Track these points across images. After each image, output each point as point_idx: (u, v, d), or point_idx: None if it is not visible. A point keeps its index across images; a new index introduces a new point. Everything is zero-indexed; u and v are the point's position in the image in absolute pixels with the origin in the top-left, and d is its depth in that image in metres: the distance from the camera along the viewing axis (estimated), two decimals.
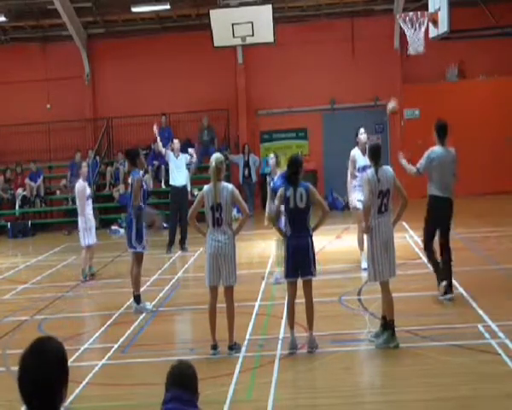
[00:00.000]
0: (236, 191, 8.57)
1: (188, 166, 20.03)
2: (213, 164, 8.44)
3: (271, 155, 12.22)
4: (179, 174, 15.96)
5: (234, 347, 8.43)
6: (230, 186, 8.54)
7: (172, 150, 16.12)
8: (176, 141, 16.50)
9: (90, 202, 13.69)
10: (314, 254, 8.37)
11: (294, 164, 8.36)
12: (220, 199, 8.35)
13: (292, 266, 8.33)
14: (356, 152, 12.43)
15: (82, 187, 13.57)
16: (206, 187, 8.54)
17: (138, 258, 10.90)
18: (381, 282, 8.35)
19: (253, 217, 20.47)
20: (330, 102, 22.91)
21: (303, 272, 8.31)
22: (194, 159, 16.84)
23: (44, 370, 2.82)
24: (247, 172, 21.91)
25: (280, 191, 8.38)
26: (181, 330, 10.55)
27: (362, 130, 12.51)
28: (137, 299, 10.78)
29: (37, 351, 2.86)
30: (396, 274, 8.48)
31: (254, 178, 21.87)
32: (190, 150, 16.76)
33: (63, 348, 2.94)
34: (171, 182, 16.11)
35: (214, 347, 8.42)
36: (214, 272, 8.43)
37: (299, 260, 8.27)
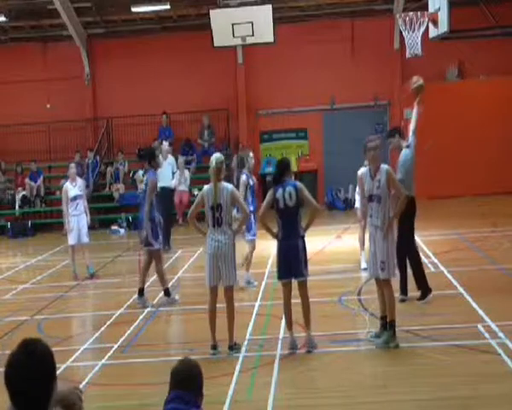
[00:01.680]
0: (236, 191, 8.60)
1: (187, 166, 20.11)
2: (213, 164, 8.48)
3: (251, 154, 12.12)
4: (163, 175, 16.33)
5: (234, 347, 8.44)
6: (230, 186, 8.57)
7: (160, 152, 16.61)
8: (165, 143, 17.02)
9: (75, 203, 13.66)
10: (306, 256, 8.38)
11: (280, 166, 8.54)
12: (220, 199, 8.37)
13: (284, 267, 8.36)
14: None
15: (64, 188, 13.84)
16: (206, 187, 8.56)
17: (157, 255, 11.11)
18: (388, 280, 8.36)
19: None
20: (330, 102, 22.90)
21: (295, 273, 8.34)
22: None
23: (34, 370, 2.86)
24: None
25: (269, 192, 8.46)
26: (181, 330, 10.54)
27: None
28: (167, 292, 11.11)
29: (25, 351, 2.89)
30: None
31: None
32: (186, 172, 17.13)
33: (49, 348, 2.99)
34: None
35: (214, 347, 8.43)
36: (214, 273, 8.45)
37: (290, 262, 8.31)
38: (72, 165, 14.52)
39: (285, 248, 8.33)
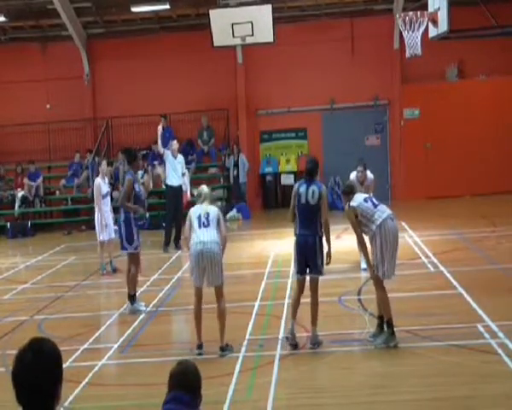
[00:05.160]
0: (221, 214, 8.65)
1: (187, 166, 20.05)
2: (205, 190, 8.64)
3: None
4: (176, 175, 16.25)
5: (225, 348, 8.41)
6: (217, 209, 8.67)
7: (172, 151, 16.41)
8: (174, 142, 16.79)
9: (106, 199, 13.85)
10: (322, 254, 8.40)
11: (314, 163, 8.60)
12: (209, 210, 8.46)
13: (301, 264, 8.38)
14: (353, 176, 12.50)
15: (97, 184, 13.80)
16: (192, 208, 8.66)
17: (132, 258, 10.89)
18: (382, 281, 8.37)
19: (253, 218, 20.54)
20: (330, 101, 22.89)
21: (311, 269, 8.37)
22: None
23: (42, 368, 2.85)
24: (235, 172, 21.81)
25: (294, 188, 8.54)
26: (181, 330, 10.54)
27: (359, 168, 12.60)
28: (132, 299, 10.77)
29: (34, 350, 2.88)
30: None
31: (242, 178, 21.75)
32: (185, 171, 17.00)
33: (58, 348, 2.97)
34: (168, 182, 16.36)
35: (200, 346, 8.44)
36: (199, 273, 8.38)
37: (307, 258, 8.33)
38: (104, 162, 14.59)
39: (302, 245, 8.35)
